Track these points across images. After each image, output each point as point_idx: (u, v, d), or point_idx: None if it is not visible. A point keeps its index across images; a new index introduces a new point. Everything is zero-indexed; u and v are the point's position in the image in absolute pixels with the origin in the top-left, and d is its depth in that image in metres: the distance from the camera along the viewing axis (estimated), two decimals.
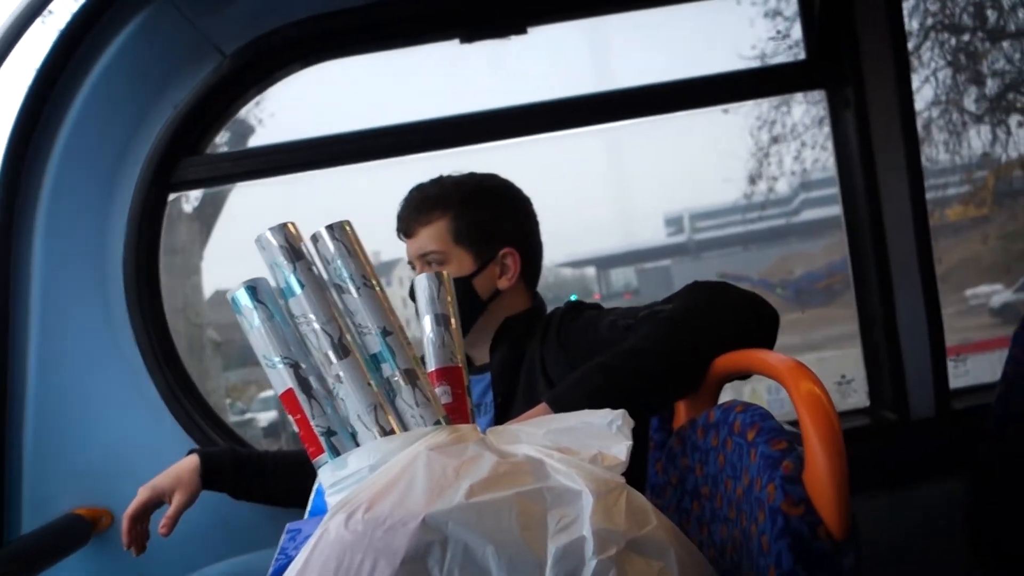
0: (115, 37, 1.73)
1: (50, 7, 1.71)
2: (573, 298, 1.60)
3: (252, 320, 0.95)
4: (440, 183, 1.54)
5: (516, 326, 1.53)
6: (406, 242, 1.55)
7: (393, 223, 1.57)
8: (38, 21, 1.70)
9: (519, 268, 1.54)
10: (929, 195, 1.95)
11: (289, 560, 0.96)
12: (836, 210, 2.07)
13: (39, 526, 1.76)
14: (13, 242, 1.79)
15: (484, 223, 1.52)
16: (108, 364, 1.87)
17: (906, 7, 1.90)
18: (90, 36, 1.73)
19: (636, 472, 1.22)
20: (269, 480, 1.62)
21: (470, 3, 1.90)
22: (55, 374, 1.83)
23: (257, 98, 2.11)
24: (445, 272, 1.13)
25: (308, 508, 1.09)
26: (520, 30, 1.95)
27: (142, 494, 1.49)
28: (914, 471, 1.92)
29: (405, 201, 1.55)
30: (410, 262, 1.56)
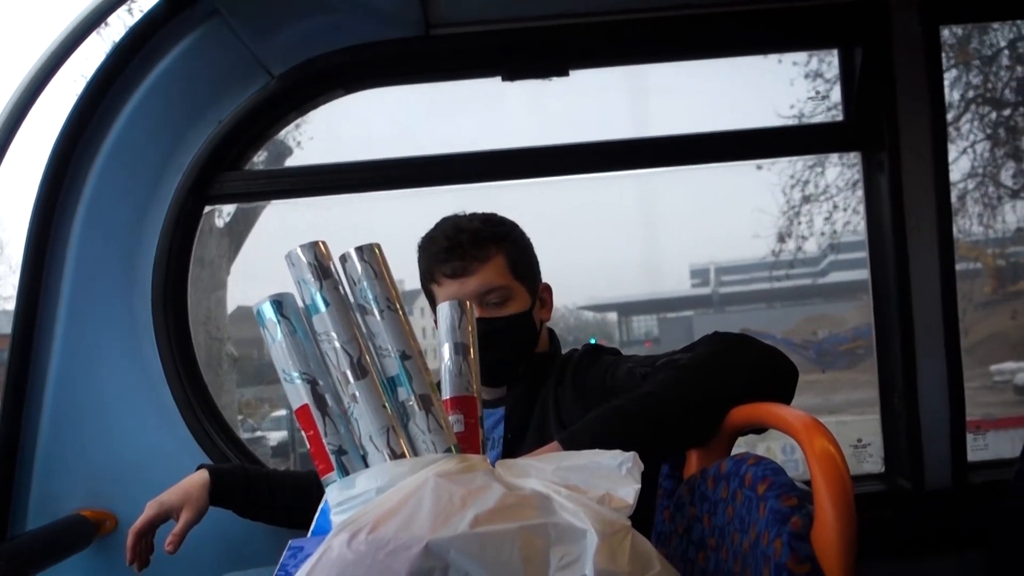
0: (169, 51, 1.78)
1: (108, 20, 1.77)
2: (592, 341, 1.60)
3: (275, 334, 0.96)
4: (476, 220, 1.50)
5: (535, 365, 1.53)
6: (455, 283, 1.45)
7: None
8: (95, 33, 1.75)
9: (552, 302, 1.57)
10: (960, 266, 1.93)
11: None
12: (864, 273, 2.06)
13: (44, 524, 1.77)
14: (50, 239, 1.82)
15: (529, 257, 1.55)
16: (128, 368, 1.88)
17: (948, 77, 1.90)
18: (145, 49, 1.77)
19: (643, 518, 1.21)
20: (276, 500, 1.62)
21: (514, 42, 1.92)
22: (75, 373, 1.84)
23: (298, 121, 2.14)
24: (468, 303, 1.14)
25: (312, 527, 1.09)
26: (562, 72, 1.97)
27: (149, 510, 1.46)
28: (927, 541, 1.88)
29: (452, 241, 1.46)
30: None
